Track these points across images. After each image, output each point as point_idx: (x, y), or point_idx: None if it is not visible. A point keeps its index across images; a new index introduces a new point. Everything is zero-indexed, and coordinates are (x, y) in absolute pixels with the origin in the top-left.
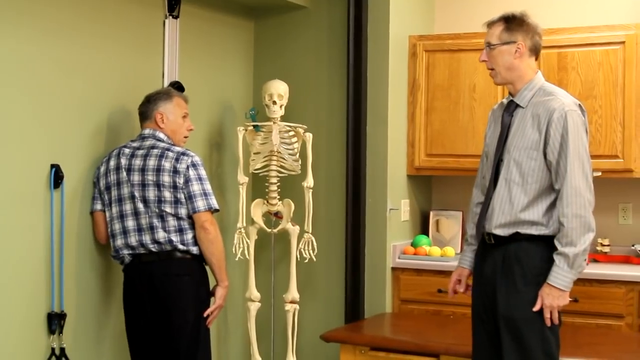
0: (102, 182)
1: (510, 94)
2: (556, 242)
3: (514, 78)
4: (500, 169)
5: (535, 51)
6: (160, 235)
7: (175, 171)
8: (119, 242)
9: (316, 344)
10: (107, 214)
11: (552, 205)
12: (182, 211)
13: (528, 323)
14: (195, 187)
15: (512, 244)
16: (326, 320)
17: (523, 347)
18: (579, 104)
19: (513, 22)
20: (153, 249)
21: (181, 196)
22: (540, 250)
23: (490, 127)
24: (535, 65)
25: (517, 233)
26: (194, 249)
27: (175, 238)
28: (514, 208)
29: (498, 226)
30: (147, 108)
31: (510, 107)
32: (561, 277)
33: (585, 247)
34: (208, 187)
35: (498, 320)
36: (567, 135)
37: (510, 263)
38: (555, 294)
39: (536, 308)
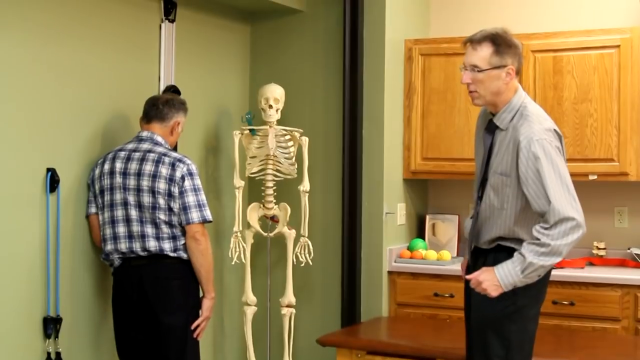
0: (97, 185)
1: (490, 112)
2: (525, 243)
3: (496, 100)
4: (485, 188)
5: (519, 71)
6: (152, 244)
7: (170, 179)
8: (109, 247)
9: (312, 348)
10: (100, 218)
11: (532, 225)
12: (175, 219)
13: (489, 321)
14: (191, 199)
15: (495, 254)
16: (322, 324)
17: (483, 344)
18: (554, 129)
19: (502, 44)
20: (143, 255)
21: (174, 205)
22: None
23: (478, 136)
24: (516, 84)
25: (499, 245)
26: (185, 255)
27: (166, 246)
28: (494, 230)
29: (483, 244)
30: (167, 110)
31: (491, 127)
32: (506, 272)
33: (544, 264)
34: (203, 197)
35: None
36: (538, 163)
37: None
38: (491, 280)
39: (468, 276)
